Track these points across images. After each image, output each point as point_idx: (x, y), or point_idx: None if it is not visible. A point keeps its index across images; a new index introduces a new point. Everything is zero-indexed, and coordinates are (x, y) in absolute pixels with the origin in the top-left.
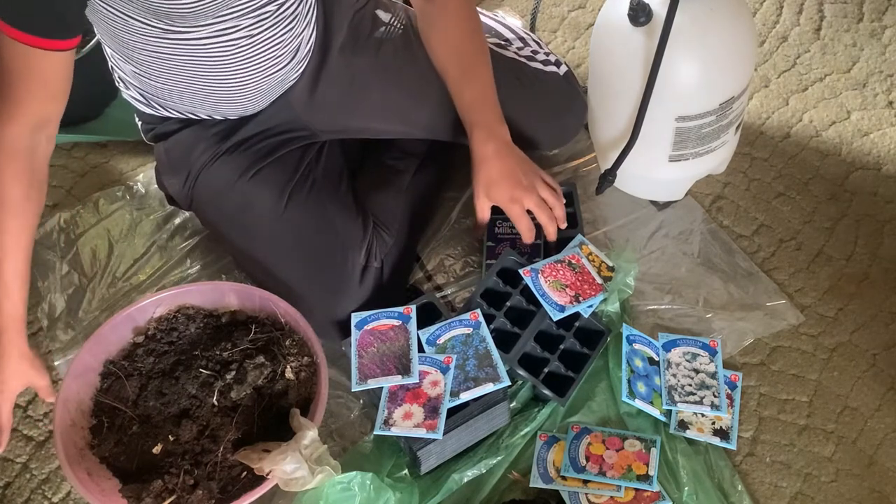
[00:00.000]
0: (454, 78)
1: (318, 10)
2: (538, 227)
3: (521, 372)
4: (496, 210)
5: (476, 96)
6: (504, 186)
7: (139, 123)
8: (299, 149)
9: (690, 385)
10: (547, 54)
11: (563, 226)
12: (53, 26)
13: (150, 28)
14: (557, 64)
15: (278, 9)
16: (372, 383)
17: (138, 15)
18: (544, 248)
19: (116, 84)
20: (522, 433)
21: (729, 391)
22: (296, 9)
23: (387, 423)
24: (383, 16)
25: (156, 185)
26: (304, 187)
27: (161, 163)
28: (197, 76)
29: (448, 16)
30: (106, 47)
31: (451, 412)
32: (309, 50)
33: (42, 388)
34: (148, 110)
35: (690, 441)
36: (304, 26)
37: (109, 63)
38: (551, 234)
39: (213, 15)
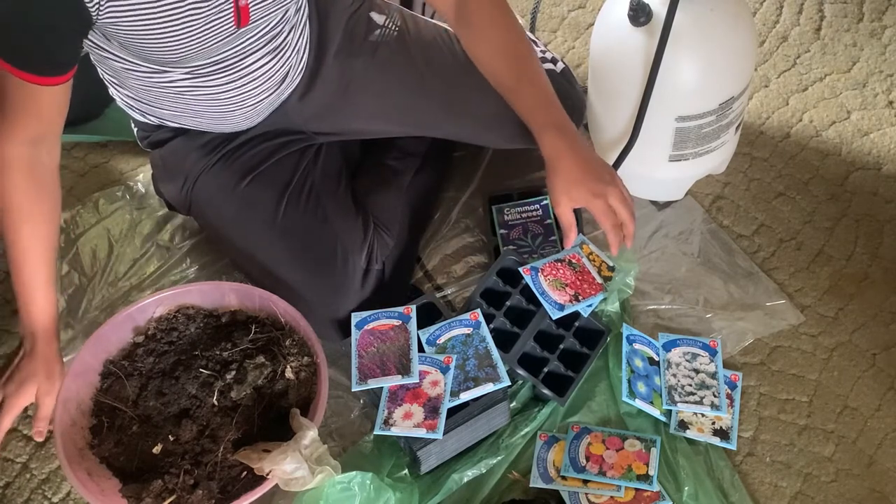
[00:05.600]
0: (509, 86)
1: (312, 20)
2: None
3: (521, 372)
4: (504, 198)
5: (537, 98)
6: (584, 183)
7: (135, 130)
8: (297, 151)
9: (690, 385)
10: (543, 52)
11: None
12: (48, 65)
13: (136, 65)
14: (554, 61)
15: (268, 42)
16: (372, 383)
17: (127, 56)
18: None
19: (111, 93)
20: (522, 433)
21: (729, 391)
22: (285, 38)
23: (387, 423)
24: (378, 18)
25: None
26: (302, 190)
27: (157, 169)
28: (186, 103)
29: (490, 25)
30: (96, 64)
31: (451, 412)
32: (300, 70)
33: (43, 407)
34: (142, 119)
35: (690, 441)
36: (293, 52)
37: (100, 73)
38: (631, 232)
39: (200, 59)
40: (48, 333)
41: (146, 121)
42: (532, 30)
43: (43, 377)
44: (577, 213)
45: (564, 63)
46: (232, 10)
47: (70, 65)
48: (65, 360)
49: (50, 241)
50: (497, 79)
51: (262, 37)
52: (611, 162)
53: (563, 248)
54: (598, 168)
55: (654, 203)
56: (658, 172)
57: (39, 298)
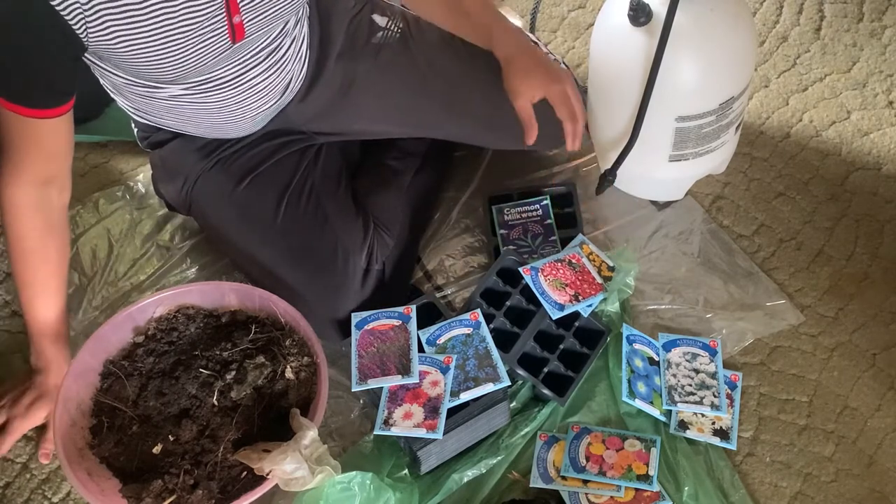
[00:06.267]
0: (450, 7)
1: (314, 23)
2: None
3: (521, 372)
4: (503, 198)
5: (479, 11)
6: (540, 75)
7: (135, 130)
8: (297, 152)
9: (690, 385)
10: (545, 54)
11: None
12: (44, 97)
13: (134, 81)
14: (556, 62)
15: (268, 55)
16: (372, 383)
17: (125, 74)
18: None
19: (110, 94)
20: (522, 433)
21: (729, 391)
22: (286, 51)
23: (387, 423)
24: (380, 20)
25: None
26: (302, 190)
27: (157, 170)
28: (187, 115)
29: None
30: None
31: (451, 412)
32: (302, 78)
33: (52, 432)
34: (142, 120)
35: (690, 441)
36: (294, 62)
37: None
38: (581, 129)
39: (197, 75)
40: (60, 364)
41: (146, 122)
42: (532, 30)
43: (53, 402)
44: (577, 212)
45: (566, 64)
46: (226, 26)
47: (67, 94)
48: None
49: (62, 276)
50: (438, 13)
51: (261, 51)
52: (610, 162)
53: (525, 145)
54: (551, 63)
55: (654, 203)
56: (658, 172)
57: (51, 332)
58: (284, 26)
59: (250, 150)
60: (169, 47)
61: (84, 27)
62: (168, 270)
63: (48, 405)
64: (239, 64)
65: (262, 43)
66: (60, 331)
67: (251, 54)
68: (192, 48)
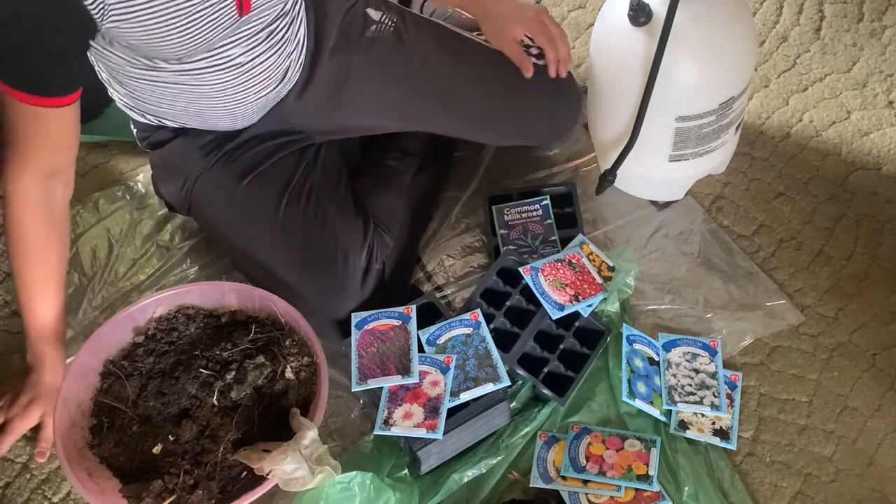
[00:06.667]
0: None
1: (310, 13)
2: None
3: (521, 372)
4: (503, 198)
5: None
6: (513, 15)
7: (134, 131)
8: (296, 151)
9: (690, 385)
10: (540, 48)
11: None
12: (52, 84)
13: (136, 62)
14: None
15: (268, 36)
16: (372, 383)
17: (125, 54)
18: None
19: (109, 93)
20: (522, 433)
21: (729, 391)
22: (285, 33)
23: (387, 423)
24: (374, 14)
25: None
26: (302, 190)
27: (157, 170)
28: (187, 100)
29: None
30: (93, 62)
31: (451, 412)
32: (300, 66)
33: (48, 429)
34: (141, 119)
35: (690, 441)
36: (293, 46)
37: (98, 74)
38: (565, 52)
39: (204, 51)
40: (56, 364)
41: (146, 121)
42: None
43: (50, 402)
44: (577, 212)
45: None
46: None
47: (75, 82)
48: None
49: (61, 276)
50: None
51: (262, 30)
52: (610, 162)
53: (526, 77)
54: (521, 4)
55: (654, 203)
56: (658, 172)
57: (49, 330)
58: (284, 6)
59: (250, 149)
60: (179, 22)
61: (100, 5)
62: (168, 270)
63: (44, 405)
64: (241, 43)
65: (262, 21)
66: (58, 331)
67: (253, 33)
68: (200, 20)
